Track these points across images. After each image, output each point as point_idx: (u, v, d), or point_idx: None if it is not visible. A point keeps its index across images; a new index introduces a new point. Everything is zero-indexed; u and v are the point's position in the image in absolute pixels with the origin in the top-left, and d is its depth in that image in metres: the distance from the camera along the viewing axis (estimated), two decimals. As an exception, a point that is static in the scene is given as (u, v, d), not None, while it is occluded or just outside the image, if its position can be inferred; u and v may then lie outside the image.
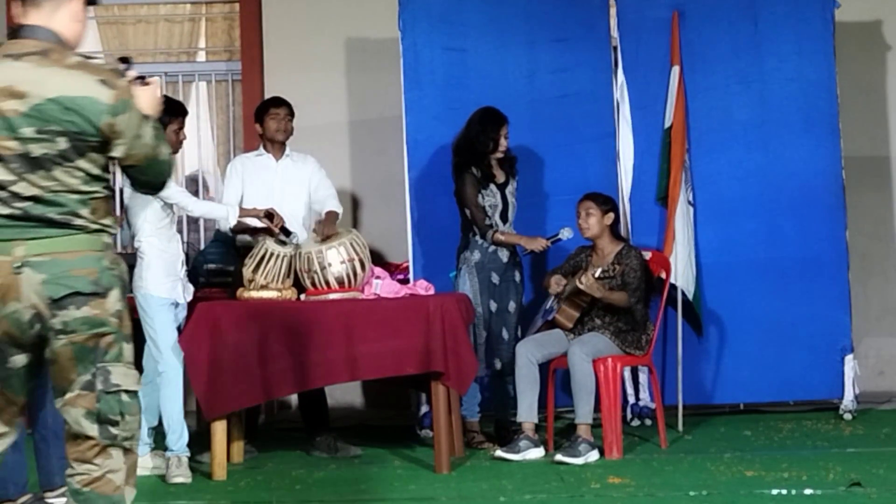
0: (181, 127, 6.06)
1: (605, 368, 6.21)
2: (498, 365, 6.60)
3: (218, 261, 7.09)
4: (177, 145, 6.02)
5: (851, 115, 7.60)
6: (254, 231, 6.41)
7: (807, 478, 5.43)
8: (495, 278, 6.58)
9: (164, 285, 5.86)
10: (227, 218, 6.41)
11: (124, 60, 3.48)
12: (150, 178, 3.45)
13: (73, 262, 3.28)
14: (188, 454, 5.91)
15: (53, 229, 3.28)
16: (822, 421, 7.06)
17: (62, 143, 3.26)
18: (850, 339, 7.20)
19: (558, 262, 6.72)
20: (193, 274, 6.65)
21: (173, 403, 5.87)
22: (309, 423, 6.62)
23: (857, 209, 7.65)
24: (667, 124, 7.11)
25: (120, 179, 6.47)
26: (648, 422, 7.07)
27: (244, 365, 5.86)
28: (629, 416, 7.13)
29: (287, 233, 6.32)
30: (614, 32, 7.31)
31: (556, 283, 6.46)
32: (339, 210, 6.63)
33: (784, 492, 5.18)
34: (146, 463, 5.88)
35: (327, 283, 6.14)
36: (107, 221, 3.37)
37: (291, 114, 6.77)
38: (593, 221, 6.45)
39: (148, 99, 3.43)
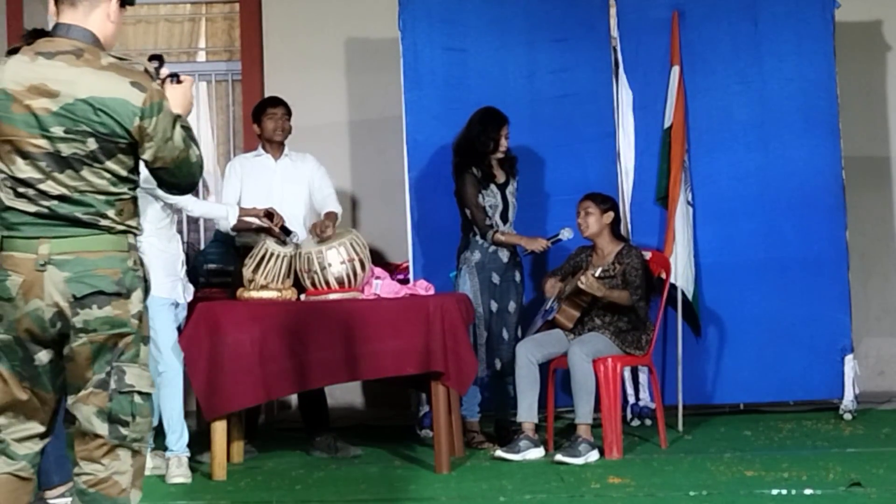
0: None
1: (605, 368, 6.21)
2: (498, 365, 6.60)
3: (218, 261, 7.09)
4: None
5: (851, 115, 7.60)
6: (254, 230, 6.41)
7: (807, 478, 5.43)
8: (496, 278, 6.58)
9: (164, 285, 5.86)
10: (226, 217, 6.41)
11: (156, 58, 3.47)
12: (179, 179, 3.44)
13: (98, 261, 3.29)
14: (188, 454, 5.91)
15: (79, 228, 3.29)
16: (822, 421, 7.06)
17: (91, 144, 3.27)
18: (850, 339, 7.20)
19: (559, 263, 6.72)
20: (193, 274, 6.65)
21: (173, 403, 5.87)
22: (309, 423, 6.62)
23: (857, 209, 7.65)
24: (667, 124, 7.11)
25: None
26: (648, 422, 7.06)
27: (244, 365, 5.86)
28: (629, 416, 7.13)
29: (287, 232, 6.32)
30: (614, 32, 7.31)
31: (552, 288, 6.47)
32: (339, 210, 6.63)
33: (784, 492, 5.18)
34: (146, 463, 5.88)
35: (327, 283, 6.14)
36: (132, 223, 3.37)
37: (289, 113, 6.77)
38: (592, 220, 6.45)
39: (180, 98, 3.44)
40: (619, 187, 7.23)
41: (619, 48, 7.31)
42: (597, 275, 6.23)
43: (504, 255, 6.61)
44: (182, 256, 6.06)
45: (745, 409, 7.46)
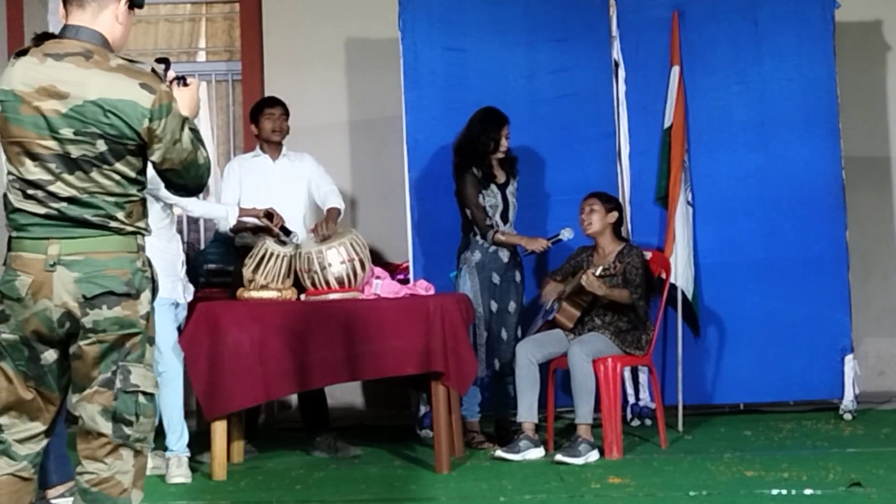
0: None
1: (605, 368, 6.21)
2: (497, 365, 6.60)
3: (218, 261, 7.09)
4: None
5: (851, 115, 7.60)
6: (254, 230, 6.41)
7: (807, 478, 5.43)
8: (496, 278, 6.58)
9: (164, 285, 5.80)
10: (226, 218, 6.42)
11: (162, 61, 3.47)
12: (186, 181, 3.44)
13: (107, 262, 3.29)
14: (188, 454, 5.91)
15: (89, 229, 3.29)
16: (822, 421, 7.06)
17: (101, 146, 3.27)
18: (850, 339, 7.20)
19: (559, 263, 6.73)
20: (193, 274, 6.65)
21: (173, 403, 5.87)
22: (309, 423, 6.62)
23: (857, 209, 7.65)
24: (667, 124, 7.11)
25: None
26: (648, 422, 7.06)
27: (244, 365, 5.86)
28: (629, 416, 7.13)
29: (287, 232, 6.32)
30: (614, 32, 7.31)
31: (551, 292, 6.48)
32: (341, 206, 6.63)
33: (784, 492, 5.18)
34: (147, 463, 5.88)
35: (327, 283, 6.14)
36: (141, 224, 3.38)
37: (286, 113, 6.77)
38: (596, 218, 6.46)
39: (187, 100, 3.44)
40: (619, 187, 7.23)
41: (619, 48, 7.31)
42: (598, 273, 6.24)
43: (504, 256, 6.61)
44: (182, 256, 6.06)
45: (745, 409, 7.46)
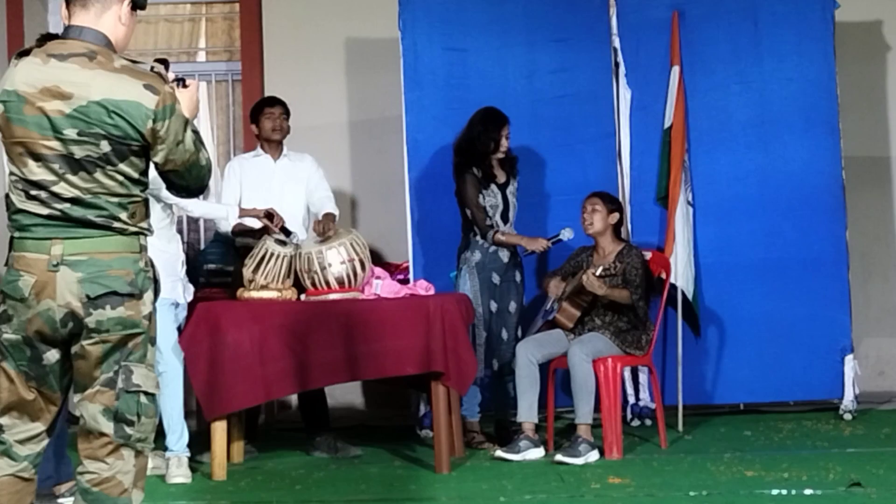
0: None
1: (605, 368, 6.21)
2: (497, 365, 6.60)
3: (218, 261, 7.08)
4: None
5: (851, 115, 7.59)
6: (254, 234, 6.41)
7: (807, 478, 5.43)
8: (496, 278, 6.58)
9: (164, 285, 5.81)
10: (226, 218, 6.41)
11: (161, 62, 3.48)
12: (188, 182, 3.45)
13: (111, 262, 3.30)
14: (188, 454, 5.91)
15: (92, 230, 3.29)
16: (822, 421, 7.06)
17: (104, 146, 3.27)
18: (850, 339, 7.20)
19: (559, 263, 6.73)
20: (193, 274, 6.65)
21: (173, 403, 5.87)
22: (309, 423, 6.62)
23: (857, 209, 7.65)
24: (667, 124, 7.11)
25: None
26: (648, 422, 7.06)
27: (244, 365, 5.86)
28: (629, 416, 7.13)
29: (287, 233, 6.32)
30: (614, 32, 7.31)
31: (556, 287, 6.48)
32: (336, 212, 6.63)
33: (784, 492, 5.18)
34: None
35: (327, 283, 6.14)
36: (144, 224, 3.39)
37: (287, 113, 6.77)
38: (598, 218, 6.46)
39: (187, 101, 3.44)
40: (620, 187, 7.23)
41: (619, 48, 7.31)
42: (598, 273, 6.24)
43: (504, 256, 6.61)
44: (182, 257, 6.06)
45: (745, 409, 7.46)
